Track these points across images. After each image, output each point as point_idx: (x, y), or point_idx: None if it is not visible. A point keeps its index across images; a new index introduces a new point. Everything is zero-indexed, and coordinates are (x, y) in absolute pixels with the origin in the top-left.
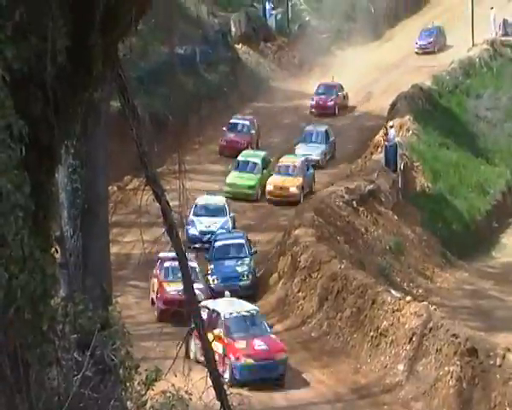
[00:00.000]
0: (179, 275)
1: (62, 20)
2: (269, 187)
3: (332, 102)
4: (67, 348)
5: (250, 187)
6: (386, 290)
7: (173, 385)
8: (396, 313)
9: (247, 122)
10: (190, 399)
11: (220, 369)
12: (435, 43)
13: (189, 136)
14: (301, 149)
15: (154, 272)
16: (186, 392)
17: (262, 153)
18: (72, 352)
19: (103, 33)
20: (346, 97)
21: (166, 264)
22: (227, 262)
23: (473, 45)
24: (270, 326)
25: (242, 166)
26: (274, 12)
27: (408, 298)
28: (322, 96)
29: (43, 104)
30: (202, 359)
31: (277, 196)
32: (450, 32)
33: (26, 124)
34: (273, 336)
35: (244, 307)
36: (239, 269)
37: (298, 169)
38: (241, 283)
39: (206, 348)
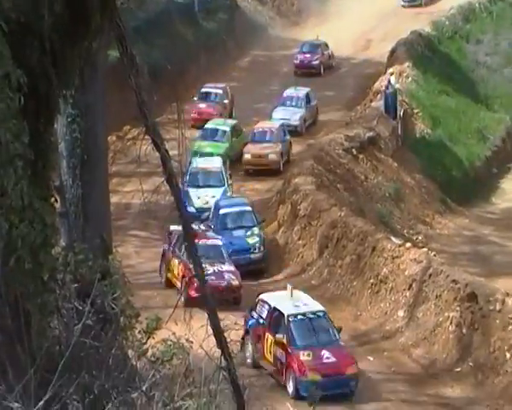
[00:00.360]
0: (207, 256)
1: None
2: (246, 156)
3: (317, 62)
4: (68, 297)
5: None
6: (386, 237)
7: (174, 333)
8: (396, 260)
9: (220, 91)
10: (191, 347)
11: (282, 379)
12: None
13: (187, 85)
14: (279, 114)
15: (167, 247)
16: (187, 340)
17: (232, 121)
18: (73, 301)
19: None
20: (331, 57)
21: (178, 239)
22: (235, 233)
23: None
24: (339, 330)
25: (210, 135)
26: None
27: (408, 245)
28: (307, 55)
29: (41, 54)
30: (262, 363)
31: (256, 164)
32: None
33: (24, 73)
34: (342, 343)
35: (310, 306)
36: (250, 241)
37: (275, 135)
38: (253, 256)
39: (207, 298)
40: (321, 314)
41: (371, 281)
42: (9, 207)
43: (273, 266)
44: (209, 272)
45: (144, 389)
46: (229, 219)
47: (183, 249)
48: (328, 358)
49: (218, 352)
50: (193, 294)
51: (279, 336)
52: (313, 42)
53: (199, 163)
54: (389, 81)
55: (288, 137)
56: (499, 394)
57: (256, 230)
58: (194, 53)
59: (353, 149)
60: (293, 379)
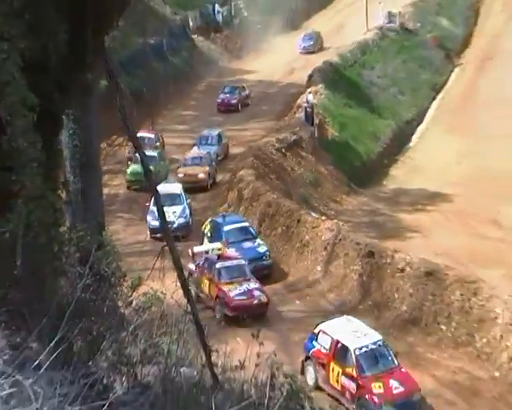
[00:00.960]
0: (233, 275)
1: (62, 22)
2: (180, 175)
3: (235, 100)
4: (72, 263)
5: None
6: (307, 213)
7: (152, 288)
8: (315, 229)
9: (152, 136)
10: (164, 297)
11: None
12: (315, 45)
13: (159, 106)
14: (195, 153)
15: (194, 268)
16: (161, 293)
17: (158, 150)
18: (76, 266)
19: (94, 30)
20: (248, 96)
21: (218, 265)
22: (245, 245)
23: (367, 31)
24: (395, 354)
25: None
26: (220, 10)
27: (323, 218)
28: (227, 95)
29: (50, 83)
30: (327, 388)
31: (187, 181)
32: (350, 22)
33: (37, 97)
34: (404, 370)
35: (370, 335)
36: (260, 250)
37: (204, 160)
38: (265, 262)
39: (176, 259)
40: (381, 343)
41: (297, 245)
42: (28, 197)
43: None
44: (240, 292)
45: (130, 330)
46: (233, 235)
47: (215, 272)
48: (397, 387)
49: (184, 301)
50: (228, 312)
51: (348, 367)
52: (233, 85)
53: (162, 188)
54: (307, 98)
55: (213, 163)
56: (390, 324)
57: (259, 240)
58: (164, 81)
59: (282, 149)
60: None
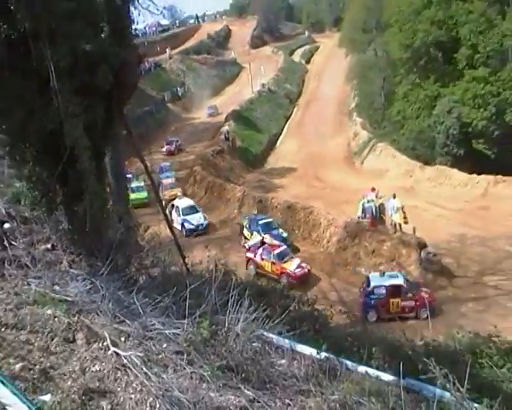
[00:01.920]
0: (285, 256)
1: (102, 104)
2: (166, 197)
3: (174, 148)
4: (115, 222)
5: (145, 198)
6: (229, 183)
7: (154, 229)
8: (233, 192)
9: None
10: (160, 232)
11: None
12: (215, 112)
13: (153, 140)
14: (164, 176)
15: (253, 255)
16: (158, 230)
17: (142, 181)
18: (116, 224)
19: (117, 106)
20: (181, 145)
21: (275, 252)
22: (274, 232)
23: (252, 92)
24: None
25: (136, 189)
26: (180, 89)
27: (237, 186)
28: (168, 145)
29: (98, 135)
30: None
31: (171, 199)
32: (244, 89)
33: (90, 143)
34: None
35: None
36: (283, 235)
37: (175, 184)
38: (287, 243)
39: (163, 209)
40: (285, 247)
41: (224, 201)
42: (90, 191)
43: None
44: (296, 267)
45: (145, 251)
46: (266, 226)
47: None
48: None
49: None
50: (292, 281)
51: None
52: (171, 138)
53: (181, 203)
54: (225, 128)
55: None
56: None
57: (281, 230)
58: (154, 128)
59: (214, 154)
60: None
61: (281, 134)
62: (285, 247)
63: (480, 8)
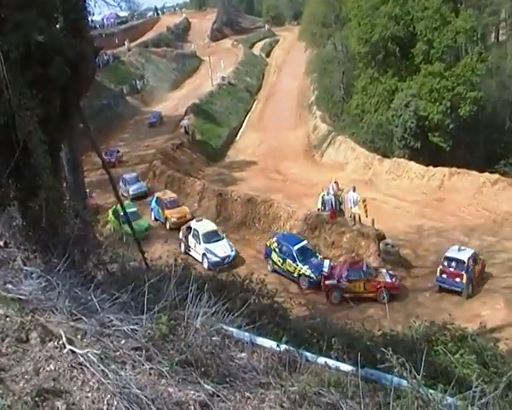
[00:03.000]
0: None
1: (58, 96)
2: (173, 219)
3: (114, 159)
4: (71, 218)
5: (146, 229)
6: (188, 178)
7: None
8: (193, 185)
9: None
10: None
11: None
12: (158, 121)
13: (112, 134)
14: (135, 187)
15: (333, 281)
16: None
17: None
18: (73, 219)
19: (74, 98)
20: (121, 156)
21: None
22: (313, 259)
23: (212, 86)
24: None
25: (131, 215)
26: (139, 82)
27: (197, 180)
28: (109, 156)
29: (53, 127)
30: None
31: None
32: (204, 82)
33: (45, 137)
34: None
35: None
36: (325, 264)
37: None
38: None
39: (117, 195)
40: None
41: (185, 194)
42: (46, 186)
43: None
44: (389, 275)
45: (103, 247)
46: (302, 252)
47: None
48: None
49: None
50: (395, 291)
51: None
52: (112, 149)
53: (201, 227)
54: (185, 121)
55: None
56: (232, 226)
57: (318, 255)
58: (112, 121)
59: (174, 147)
60: None
61: (241, 127)
62: (363, 261)
63: (435, 4)
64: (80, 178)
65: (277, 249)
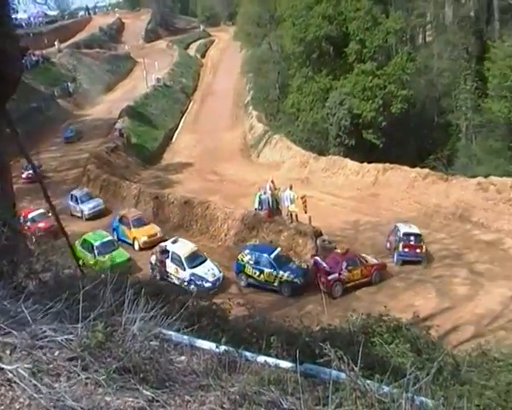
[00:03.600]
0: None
1: None
2: (143, 239)
3: (30, 176)
4: None
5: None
6: (124, 182)
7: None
8: (129, 189)
9: (42, 210)
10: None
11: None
12: (74, 136)
13: (42, 138)
14: (90, 205)
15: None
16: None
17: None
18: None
19: (0, 103)
20: (41, 166)
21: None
22: (291, 265)
23: (147, 87)
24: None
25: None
26: (70, 85)
27: (133, 183)
28: (27, 171)
29: None
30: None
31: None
32: (139, 84)
33: None
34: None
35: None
36: (303, 265)
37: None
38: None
39: (49, 201)
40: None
41: (120, 198)
42: None
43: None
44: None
45: (35, 255)
46: (279, 260)
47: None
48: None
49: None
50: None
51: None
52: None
53: (180, 249)
54: (118, 125)
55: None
56: (170, 228)
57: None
58: (43, 125)
59: (109, 152)
60: None
61: (177, 129)
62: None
63: (366, 6)
64: (8, 185)
65: (251, 262)
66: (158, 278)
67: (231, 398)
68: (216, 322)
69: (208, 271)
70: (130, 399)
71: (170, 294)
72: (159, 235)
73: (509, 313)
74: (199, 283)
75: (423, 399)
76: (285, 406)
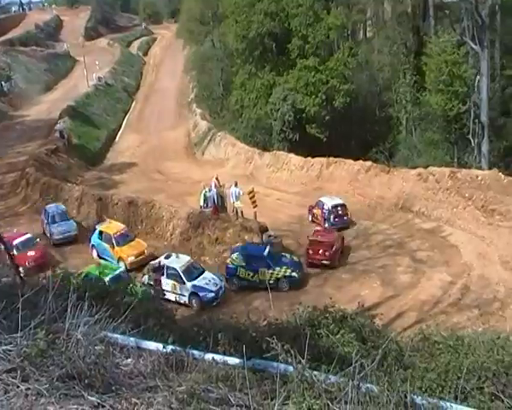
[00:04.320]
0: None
1: None
2: (131, 258)
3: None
4: None
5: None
6: (66, 184)
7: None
8: (71, 192)
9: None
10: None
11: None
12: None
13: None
14: (62, 228)
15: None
16: None
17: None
18: None
19: None
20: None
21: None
22: (284, 259)
23: (88, 87)
24: None
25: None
26: (5, 84)
27: (75, 185)
28: None
29: None
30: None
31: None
32: (79, 83)
33: None
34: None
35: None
36: (295, 259)
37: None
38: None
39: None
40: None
41: (62, 202)
42: None
43: None
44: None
45: None
46: (272, 256)
47: None
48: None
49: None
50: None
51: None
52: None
53: (176, 264)
54: (59, 125)
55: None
56: None
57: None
58: None
59: (49, 153)
60: None
61: (120, 129)
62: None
63: (308, 2)
64: None
65: (243, 263)
66: None
67: (179, 397)
68: (162, 322)
69: (209, 281)
70: (75, 406)
71: (115, 296)
72: (146, 253)
73: (449, 297)
74: (202, 294)
75: (369, 385)
76: (233, 402)
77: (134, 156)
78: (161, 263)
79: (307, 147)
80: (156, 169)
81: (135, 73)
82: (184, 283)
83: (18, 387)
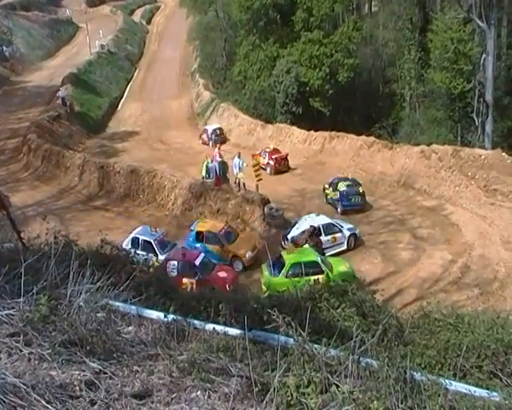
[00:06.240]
0: None
1: None
2: (249, 254)
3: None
4: None
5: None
6: (67, 149)
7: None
8: (73, 159)
9: None
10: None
11: None
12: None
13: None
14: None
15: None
16: None
17: None
18: None
19: None
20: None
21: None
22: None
23: (91, 54)
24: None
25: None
26: (6, 49)
27: (77, 153)
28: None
29: None
30: None
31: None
32: (82, 50)
33: None
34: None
35: None
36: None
37: None
38: None
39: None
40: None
41: (63, 168)
42: None
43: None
44: None
45: None
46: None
47: None
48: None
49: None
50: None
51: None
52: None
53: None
54: (61, 92)
55: None
56: (116, 198)
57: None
58: None
59: (51, 120)
60: None
61: (122, 97)
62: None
63: None
64: None
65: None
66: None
67: (180, 366)
68: (164, 291)
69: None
70: (77, 372)
71: (117, 264)
72: (258, 245)
73: (449, 275)
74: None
75: (369, 360)
76: (234, 372)
77: (136, 125)
78: (310, 224)
79: (310, 120)
80: (158, 138)
81: (138, 42)
82: (343, 229)
83: (21, 351)
